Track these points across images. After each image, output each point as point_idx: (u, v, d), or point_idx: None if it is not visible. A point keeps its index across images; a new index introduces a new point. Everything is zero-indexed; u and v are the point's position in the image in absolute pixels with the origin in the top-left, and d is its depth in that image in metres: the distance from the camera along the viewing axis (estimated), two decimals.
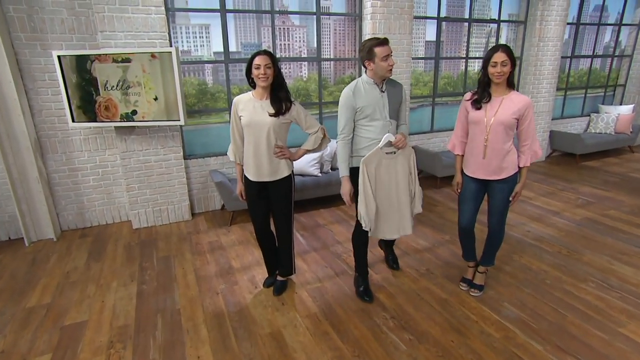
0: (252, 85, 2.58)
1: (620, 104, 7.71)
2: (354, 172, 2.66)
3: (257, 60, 2.42)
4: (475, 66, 6.18)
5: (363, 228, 2.66)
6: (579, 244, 3.67)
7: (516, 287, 2.99)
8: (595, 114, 7.22)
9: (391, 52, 2.51)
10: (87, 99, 3.74)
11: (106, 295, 3.02)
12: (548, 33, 6.02)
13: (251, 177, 2.68)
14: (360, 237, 2.84)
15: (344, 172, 2.68)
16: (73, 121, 3.79)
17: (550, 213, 4.41)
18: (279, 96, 2.54)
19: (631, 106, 7.19)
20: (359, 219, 2.67)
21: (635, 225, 4.05)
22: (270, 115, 2.52)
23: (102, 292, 3.07)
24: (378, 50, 2.45)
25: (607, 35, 7.46)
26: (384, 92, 2.60)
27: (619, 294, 2.89)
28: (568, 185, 5.38)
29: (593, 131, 7.15)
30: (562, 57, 6.43)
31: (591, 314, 2.67)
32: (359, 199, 2.63)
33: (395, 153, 2.63)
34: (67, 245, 3.89)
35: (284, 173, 2.69)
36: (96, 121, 3.82)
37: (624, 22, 7.39)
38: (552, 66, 6.21)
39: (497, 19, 5.98)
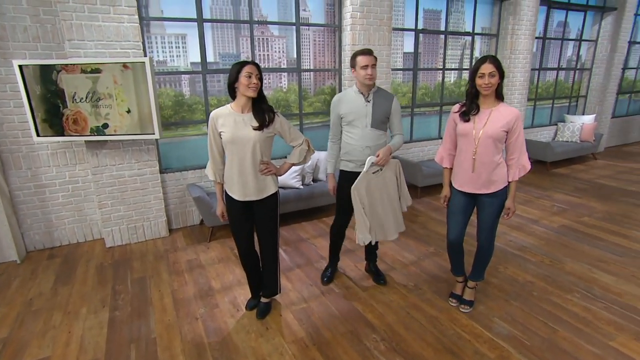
0: (233, 96, 2.34)
1: (583, 114, 7.87)
2: (342, 175, 2.81)
3: (249, 69, 2.21)
4: (452, 77, 6.13)
5: (357, 243, 2.74)
6: (559, 252, 3.59)
7: (505, 301, 2.84)
8: (562, 123, 7.32)
9: (373, 64, 2.54)
10: (53, 111, 3.38)
11: (74, 325, 2.68)
12: (519, 46, 6.04)
13: (236, 197, 2.41)
14: (336, 229, 3.02)
15: (329, 169, 2.91)
16: (38, 135, 3.42)
17: (530, 221, 4.33)
18: (262, 108, 2.31)
19: (593, 116, 7.35)
20: (356, 236, 2.74)
21: (609, 232, 4.01)
22: (254, 129, 2.29)
23: (69, 321, 2.72)
24: (359, 59, 2.53)
25: (570, 50, 7.61)
26: (369, 101, 2.63)
27: (604, 304, 2.79)
28: (543, 193, 5.35)
29: (560, 139, 7.23)
30: (531, 69, 6.47)
31: (580, 327, 2.55)
32: (356, 224, 2.70)
33: (381, 170, 2.65)
34: (33, 268, 3.50)
35: (271, 190, 2.45)
36: (64, 135, 3.46)
37: (583, 38, 7.58)
38: (523, 77, 6.23)
39: (471, 31, 5.96)
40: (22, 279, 3.31)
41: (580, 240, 3.84)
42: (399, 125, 2.75)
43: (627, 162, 7.09)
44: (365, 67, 2.50)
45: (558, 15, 7.12)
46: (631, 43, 8.10)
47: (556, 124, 7.44)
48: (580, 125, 7.08)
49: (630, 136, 8.96)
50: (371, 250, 3.12)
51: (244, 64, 2.22)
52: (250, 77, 2.21)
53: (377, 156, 2.57)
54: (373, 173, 2.62)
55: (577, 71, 7.77)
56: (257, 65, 2.26)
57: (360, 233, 2.69)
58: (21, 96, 3.33)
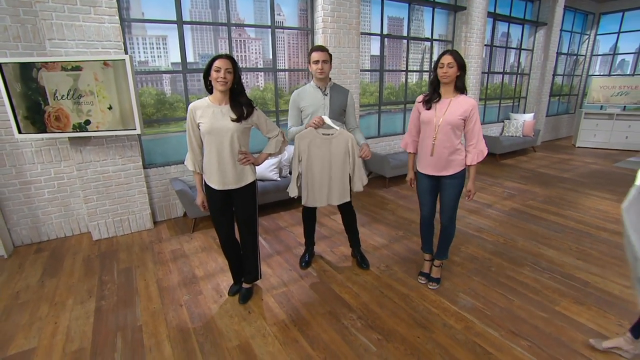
0: (209, 90, 2.13)
1: (524, 113, 8.04)
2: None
3: (218, 63, 1.99)
4: (414, 78, 6.07)
5: (289, 194, 2.68)
6: (511, 232, 3.58)
7: (467, 277, 2.79)
8: (508, 120, 7.44)
9: (324, 59, 2.44)
10: (34, 109, 3.05)
11: (60, 316, 2.41)
12: (471, 51, 6.04)
13: (215, 186, 2.21)
14: (306, 214, 2.85)
15: (302, 128, 2.58)
16: (20, 132, 3.08)
17: (485, 206, 4.32)
18: (240, 101, 2.12)
19: (532, 114, 7.51)
20: (288, 189, 2.70)
21: (550, 213, 4.07)
22: (232, 121, 2.09)
23: (55, 312, 2.45)
24: (313, 54, 2.45)
25: (512, 57, 7.74)
26: (326, 95, 2.56)
27: (550, 275, 2.81)
28: (495, 181, 5.39)
29: (507, 134, 7.35)
30: (482, 72, 6.51)
31: (532, 296, 2.54)
32: (292, 169, 2.66)
33: (331, 135, 2.54)
34: (20, 262, 3.17)
35: (249, 179, 2.26)
36: (46, 132, 3.13)
37: (522, 47, 7.74)
38: (475, 79, 6.25)
39: (430, 37, 5.90)
40: (9, 273, 2.98)
41: (527, 220, 3.86)
42: (354, 119, 2.70)
43: (559, 154, 7.30)
44: (316, 62, 2.42)
45: (502, 27, 7.22)
46: (559, 54, 8.42)
47: (503, 121, 7.56)
48: (523, 122, 7.22)
49: (560, 132, 9.32)
50: (353, 237, 2.97)
51: (215, 58, 2.01)
52: (218, 71, 2.00)
53: (362, 153, 2.55)
54: (323, 134, 2.52)
55: (518, 75, 7.92)
56: (230, 59, 2.03)
57: (292, 183, 2.66)
58: (1, 94, 2.97)
